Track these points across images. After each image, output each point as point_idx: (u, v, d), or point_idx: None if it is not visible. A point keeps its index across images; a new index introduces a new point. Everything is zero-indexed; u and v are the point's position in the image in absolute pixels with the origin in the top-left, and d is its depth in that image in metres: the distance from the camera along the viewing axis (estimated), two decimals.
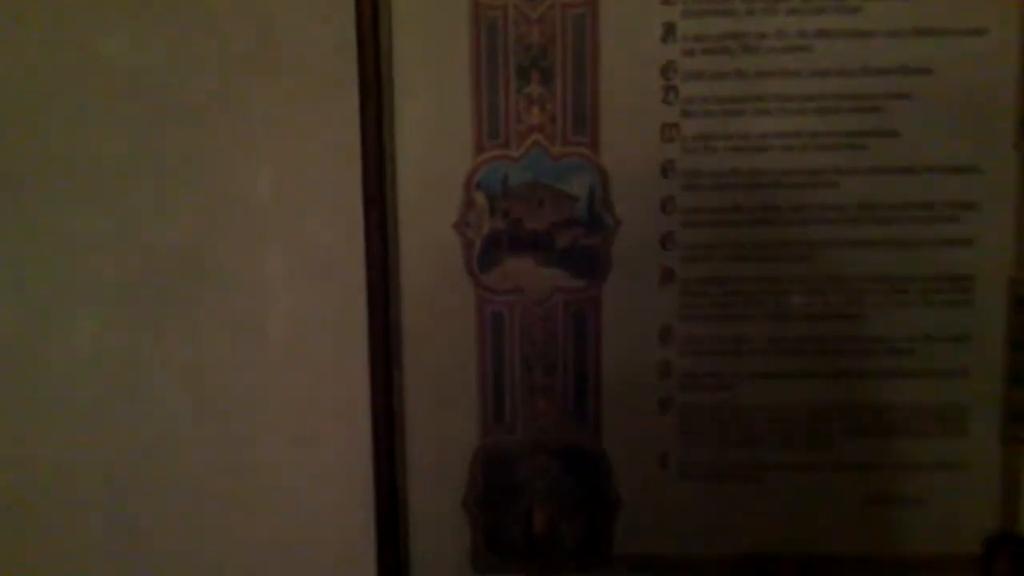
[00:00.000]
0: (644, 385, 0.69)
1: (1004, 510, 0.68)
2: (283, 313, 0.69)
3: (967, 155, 0.66)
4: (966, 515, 0.69)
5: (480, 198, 0.67)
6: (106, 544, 0.71)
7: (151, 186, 0.69)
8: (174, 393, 0.70)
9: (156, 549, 0.71)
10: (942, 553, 0.69)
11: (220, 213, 0.69)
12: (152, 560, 0.71)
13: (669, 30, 0.65)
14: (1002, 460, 0.68)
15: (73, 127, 0.68)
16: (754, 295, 0.68)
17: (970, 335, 0.68)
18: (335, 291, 0.69)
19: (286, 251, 0.69)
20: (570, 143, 0.67)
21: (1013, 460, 0.68)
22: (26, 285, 0.70)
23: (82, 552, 0.72)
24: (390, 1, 0.66)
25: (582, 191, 0.67)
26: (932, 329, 0.68)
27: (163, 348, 0.70)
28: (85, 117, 0.68)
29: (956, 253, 0.67)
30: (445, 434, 0.69)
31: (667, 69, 0.66)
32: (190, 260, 0.69)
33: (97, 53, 0.68)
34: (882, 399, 0.68)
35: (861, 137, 0.66)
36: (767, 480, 0.69)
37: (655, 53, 0.66)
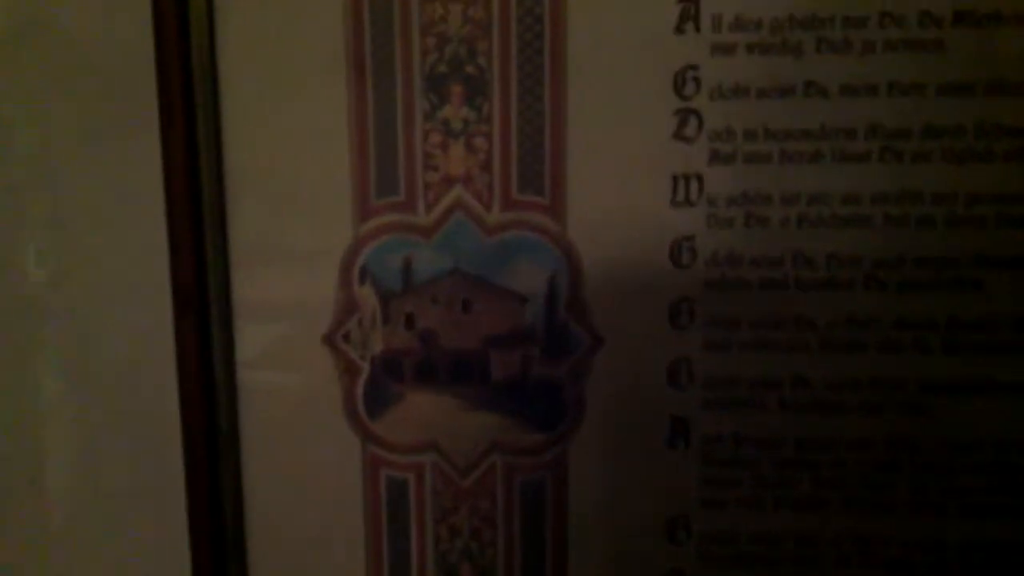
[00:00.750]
0: None
1: None
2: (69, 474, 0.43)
3: None
4: None
5: (368, 296, 0.40)
6: None
7: None
8: None
9: None
10: None
11: None
12: None
13: (689, 10, 0.36)
14: None
15: None
16: (825, 468, 0.39)
17: None
18: (139, 439, 0.42)
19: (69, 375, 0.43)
20: (516, 206, 0.39)
21: None
22: None
23: None
24: None
25: (535, 287, 0.39)
26: None
27: None
28: None
29: None
30: None
31: (685, 79, 0.37)
32: None
33: None
34: None
35: None
36: None
37: (664, 50, 0.37)
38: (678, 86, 0.38)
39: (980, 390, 0.39)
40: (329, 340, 0.41)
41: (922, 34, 0.36)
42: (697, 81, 0.37)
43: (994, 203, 0.37)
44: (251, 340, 0.41)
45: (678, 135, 0.38)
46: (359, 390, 0.41)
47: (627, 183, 0.38)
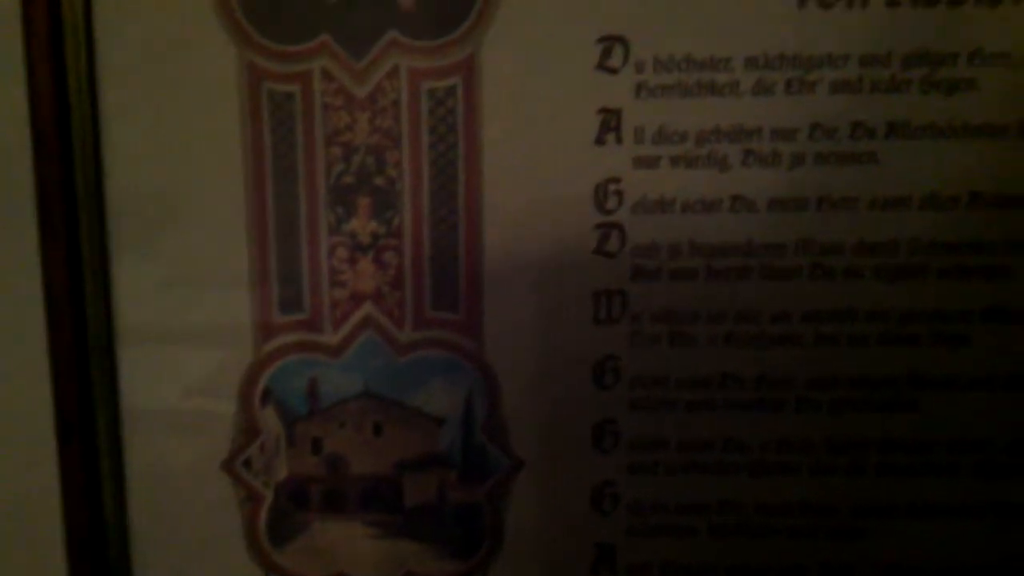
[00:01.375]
0: None
1: None
2: None
3: None
4: None
5: (271, 419, 0.37)
6: None
7: None
8: None
9: None
10: None
11: None
12: None
13: (611, 120, 0.34)
14: None
15: None
16: None
17: None
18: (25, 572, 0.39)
19: None
20: (429, 324, 0.36)
21: None
22: None
23: None
24: (93, 57, 0.35)
25: (451, 409, 0.37)
26: None
27: None
28: None
29: None
30: None
31: (606, 192, 0.35)
32: None
33: None
34: None
35: (964, 322, 0.35)
36: None
37: (585, 163, 0.35)
38: (599, 199, 0.35)
39: (915, 513, 0.37)
40: (229, 467, 0.38)
41: (854, 147, 0.34)
42: (619, 194, 0.35)
43: (929, 321, 0.36)
44: (143, 469, 0.38)
45: (599, 250, 0.36)
46: (262, 519, 0.38)
47: (547, 300, 0.36)
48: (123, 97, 0.35)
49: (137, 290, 0.36)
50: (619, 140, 0.35)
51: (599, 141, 0.35)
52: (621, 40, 0.34)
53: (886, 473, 0.37)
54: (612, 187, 0.35)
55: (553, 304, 0.36)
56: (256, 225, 0.36)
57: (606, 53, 0.34)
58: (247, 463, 0.38)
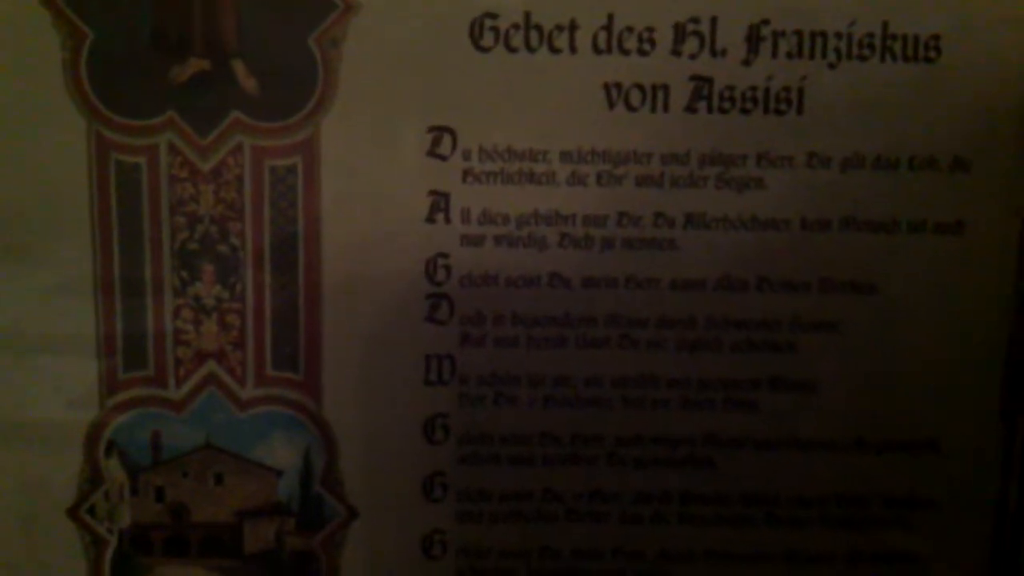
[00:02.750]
0: None
1: None
2: None
3: (924, 425, 0.40)
4: None
5: (115, 470, 0.39)
6: None
7: None
8: None
9: None
10: None
11: None
12: None
13: (440, 203, 0.38)
14: None
15: None
16: None
17: None
18: None
19: None
20: (270, 382, 0.39)
21: None
22: None
23: None
24: None
25: (289, 461, 0.39)
26: None
27: None
28: None
29: None
30: None
31: (435, 267, 0.38)
32: None
33: None
34: None
35: (753, 390, 0.40)
36: None
37: (417, 240, 0.38)
38: (430, 272, 0.39)
39: (712, 557, 0.41)
40: (73, 513, 0.40)
41: (656, 233, 0.38)
42: (448, 268, 0.38)
43: (722, 388, 0.40)
44: None
45: (430, 318, 0.39)
46: (106, 564, 0.40)
47: (382, 362, 0.39)
48: None
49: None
50: (448, 220, 0.38)
51: (430, 220, 0.38)
52: (450, 130, 0.37)
53: (686, 522, 0.41)
54: (441, 261, 0.39)
55: (388, 367, 0.39)
56: (103, 286, 0.38)
57: (436, 141, 0.37)
58: (91, 510, 0.40)
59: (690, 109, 0.38)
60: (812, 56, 0.38)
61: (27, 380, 0.38)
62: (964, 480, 0.41)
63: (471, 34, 0.37)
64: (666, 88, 0.38)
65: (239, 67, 0.37)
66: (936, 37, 0.38)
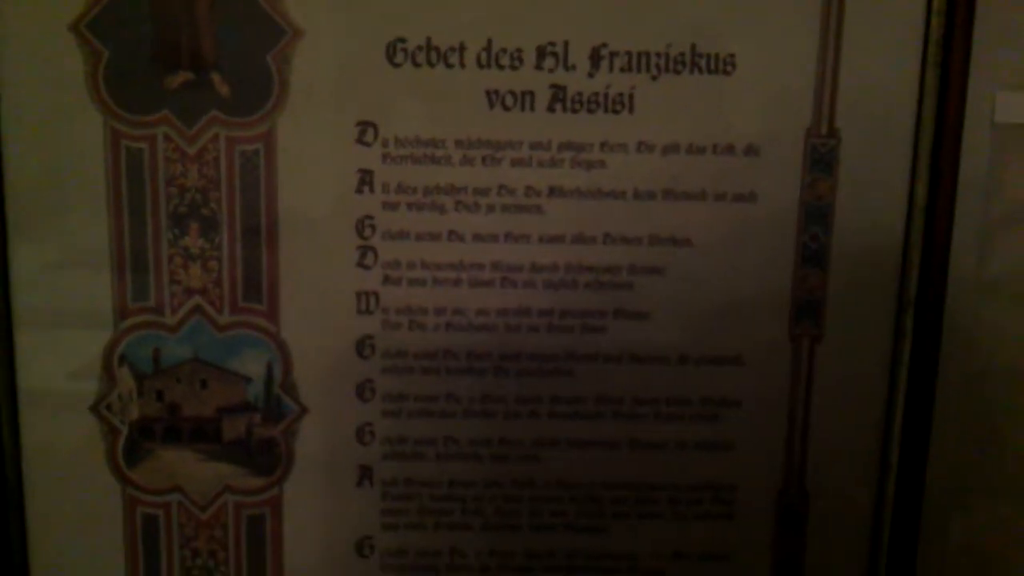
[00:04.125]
0: None
1: None
2: None
3: (731, 343, 0.54)
4: None
5: (125, 376, 0.52)
6: None
7: None
8: None
9: None
10: None
11: None
12: None
13: (366, 178, 0.51)
14: None
15: None
16: (469, 501, 0.55)
17: (730, 554, 0.56)
18: None
19: None
20: (241, 311, 0.52)
21: None
22: None
23: None
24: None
25: (256, 371, 0.53)
26: (685, 546, 0.56)
27: None
28: None
29: (716, 458, 0.55)
30: None
31: (364, 225, 0.51)
32: None
33: None
34: None
35: (602, 318, 0.53)
36: None
37: (349, 205, 0.51)
38: (360, 230, 0.52)
39: (575, 445, 0.55)
40: (95, 409, 0.53)
41: (527, 201, 0.52)
42: (373, 227, 0.52)
43: (579, 317, 0.53)
44: (33, 408, 0.53)
45: (360, 264, 0.52)
46: (119, 447, 0.54)
47: (324, 298, 0.52)
48: (22, 150, 0.50)
49: (30, 284, 0.51)
50: (372, 191, 0.52)
51: (359, 191, 0.52)
52: (372, 124, 0.51)
53: (553, 417, 0.55)
54: (368, 222, 0.52)
55: (328, 300, 0.53)
56: (116, 238, 0.51)
57: (362, 132, 0.51)
58: (109, 407, 0.53)
59: (550, 109, 0.51)
60: (639, 70, 0.51)
61: (61, 304, 0.52)
62: (762, 386, 0.55)
63: (387, 53, 0.50)
64: (532, 94, 0.51)
65: (216, 78, 0.50)
66: (732, 55, 0.51)
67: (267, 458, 0.54)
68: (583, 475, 0.55)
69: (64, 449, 0.53)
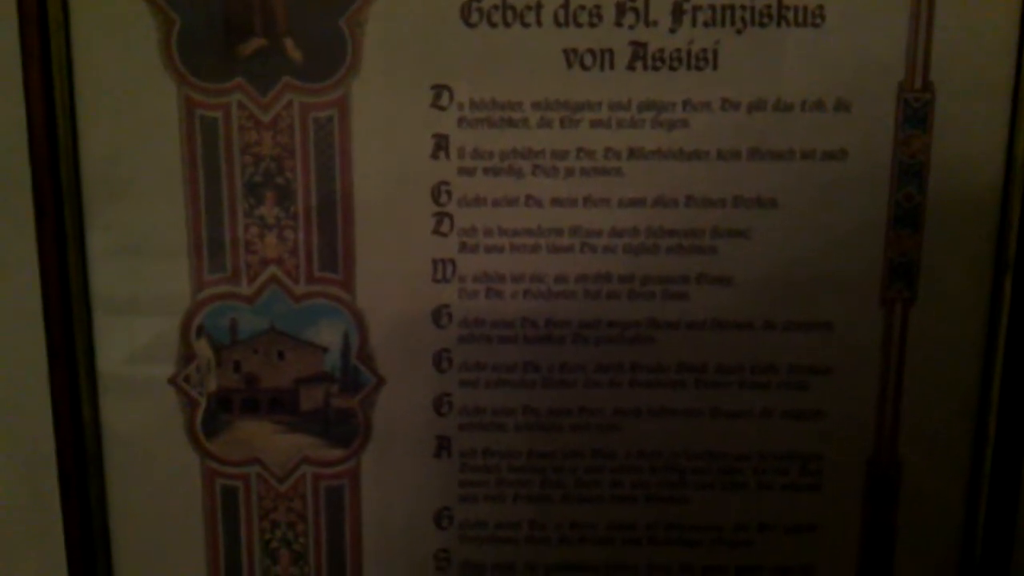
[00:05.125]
0: None
1: None
2: None
3: (819, 309, 0.52)
4: None
5: (204, 348, 0.52)
6: None
7: None
8: None
9: None
10: None
11: None
12: None
13: (441, 143, 0.50)
14: None
15: None
16: (548, 472, 0.54)
17: (817, 525, 0.54)
18: (18, 463, 0.54)
19: None
20: (317, 281, 0.52)
21: None
22: None
23: None
24: (73, 89, 0.49)
25: (333, 341, 0.52)
26: (771, 517, 0.54)
27: None
28: None
29: (803, 427, 0.53)
30: None
31: (439, 191, 0.50)
32: None
33: None
34: None
35: (684, 283, 0.51)
36: None
37: (424, 171, 0.50)
38: (435, 196, 0.51)
39: (656, 414, 0.54)
40: (174, 381, 0.53)
41: (606, 163, 0.50)
42: (449, 193, 0.51)
43: (660, 283, 0.52)
44: (112, 382, 0.53)
45: (436, 231, 0.51)
46: (198, 419, 0.54)
47: (400, 266, 0.52)
48: (97, 121, 0.50)
49: (109, 256, 0.51)
50: (447, 156, 0.50)
51: (434, 156, 0.51)
52: (447, 88, 0.50)
53: (635, 386, 0.53)
54: (444, 188, 0.51)
55: (405, 270, 0.52)
56: (191, 210, 0.51)
57: (437, 96, 0.50)
58: (187, 379, 0.53)
59: (630, 67, 0.49)
60: (723, 24, 0.49)
61: (138, 278, 0.51)
62: (853, 353, 0.53)
63: (462, 14, 0.49)
64: (611, 52, 0.49)
65: (289, 43, 0.49)
66: (821, 7, 0.49)
67: (345, 429, 0.53)
68: (665, 445, 0.54)
69: (143, 422, 0.53)
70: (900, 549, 0.55)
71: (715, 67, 0.49)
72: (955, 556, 0.54)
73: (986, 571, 0.53)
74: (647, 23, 0.49)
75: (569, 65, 0.49)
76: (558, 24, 0.49)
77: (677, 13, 0.49)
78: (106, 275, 0.52)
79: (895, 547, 0.55)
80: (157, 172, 0.51)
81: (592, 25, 0.49)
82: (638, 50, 0.49)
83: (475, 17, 0.49)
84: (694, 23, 0.49)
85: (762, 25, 0.49)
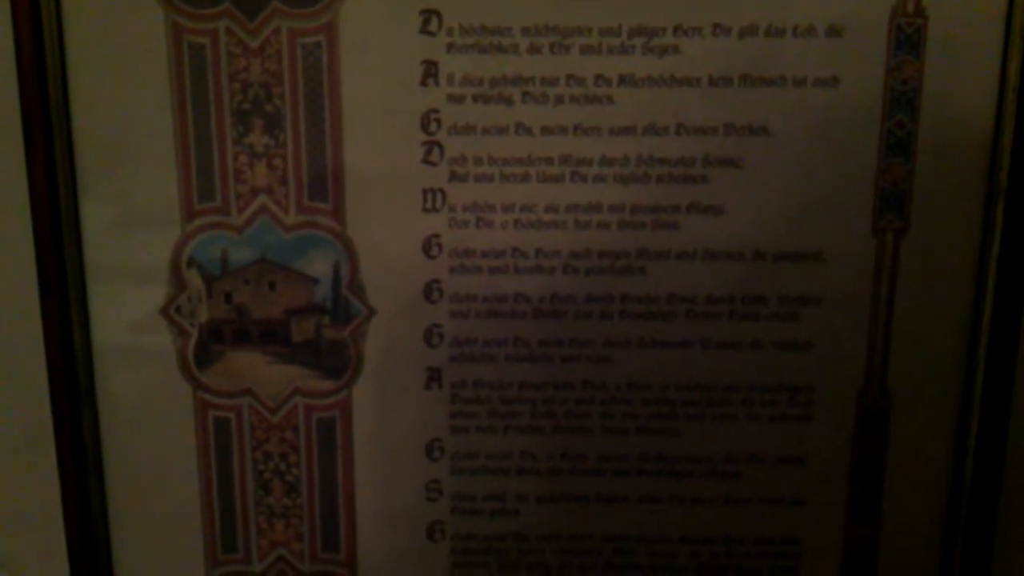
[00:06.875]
0: (409, 509, 0.55)
1: None
2: None
3: (810, 239, 0.52)
4: None
5: (194, 278, 0.52)
6: None
7: None
8: None
9: None
10: None
11: None
12: None
13: (430, 70, 0.50)
14: None
15: None
16: (539, 403, 0.54)
17: (807, 456, 0.54)
18: (10, 394, 0.54)
19: None
20: (307, 211, 0.52)
21: None
22: None
23: None
24: (62, 28, 0.49)
25: (323, 271, 0.52)
26: (761, 448, 0.54)
27: None
28: None
29: (793, 358, 0.53)
30: (162, 568, 0.56)
31: (428, 120, 0.50)
32: None
33: None
34: (699, 532, 0.56)
35: (674, 212, 0.51)
36: None
37: (414, 98, 0.50)
38: (425, 125, 0.51)
39: (647, 345, 0.54)
40: (165, 312, 0.53)
41: (596, 91, 0.50)
42: (438, 121, 0.51)
43: (650, 212, 0.52)
44: (104, 313, 0.53)
45: (426, 160, 0.51)
46: (190, 350, 0.54)
47: (390, 195, 0.52)
48: (84, 45, 0.50)
49: (96, 186, 0.51)
50: (437, 83, 0.50)
51: (423, 83, 0.50)
52: (436, 12, 0.49)
53: (625, 317, 0.53)
54: (433, 116, 0.51)
55: (394, 197, 0.52)
56: (181, 139, 0.51)
57: (426, 21, 0.49)
58: (178, 309, 0.53)
59: None
60: None
61: (127, 204, 0.51)
62: (843, 283, 0.53)
63: None
64: None
65: None
66: None
67: (336, 360, 0.54)
68: (655, 376, 0.54)
69: (136, 352, 0.53)
70: (889, 481, 0.55)
71: None
72: (944, 487, 0.54)
73: (975, 502, 0.54)
74: None
75: None
76: None
77: None
78: (97, 197, 0.51)
79: (884, 479, 0.55)
80: (146, 97, 0.51)
81: None
82: None
83: None
84: None
85: None
